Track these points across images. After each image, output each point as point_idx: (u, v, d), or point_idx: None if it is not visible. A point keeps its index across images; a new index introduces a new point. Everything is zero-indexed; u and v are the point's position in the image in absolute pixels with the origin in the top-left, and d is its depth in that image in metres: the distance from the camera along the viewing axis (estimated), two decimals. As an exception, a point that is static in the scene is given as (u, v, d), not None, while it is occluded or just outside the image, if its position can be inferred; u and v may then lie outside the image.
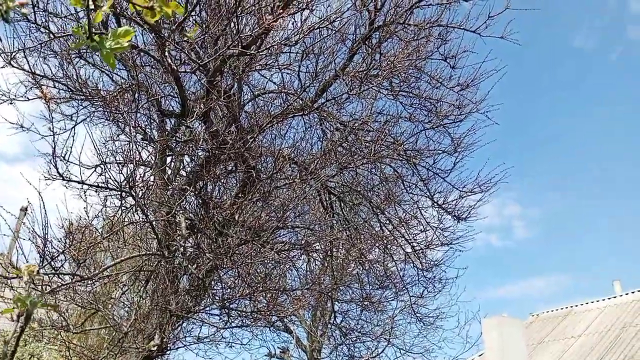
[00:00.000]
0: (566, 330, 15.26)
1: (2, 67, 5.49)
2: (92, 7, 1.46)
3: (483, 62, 6.51)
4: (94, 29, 1.43)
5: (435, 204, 7.24)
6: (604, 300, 15.86)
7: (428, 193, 7.25)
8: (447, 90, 6.77)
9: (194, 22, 6.19)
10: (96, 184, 5.03)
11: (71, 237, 5.52)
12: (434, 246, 7.24)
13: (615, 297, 15.76)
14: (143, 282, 5.67)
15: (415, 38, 6.40)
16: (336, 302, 7.86)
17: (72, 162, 5.39)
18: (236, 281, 6.02)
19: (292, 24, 6.13)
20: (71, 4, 1.52)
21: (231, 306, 5.95)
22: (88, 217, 5.80)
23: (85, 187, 5.30)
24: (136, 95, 6.20)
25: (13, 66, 5.70)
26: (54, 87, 6.22)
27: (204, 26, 5.99)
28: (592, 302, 16.00)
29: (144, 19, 1.40)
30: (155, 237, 5.46)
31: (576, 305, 16.37)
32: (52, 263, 4.97)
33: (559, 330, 15.56)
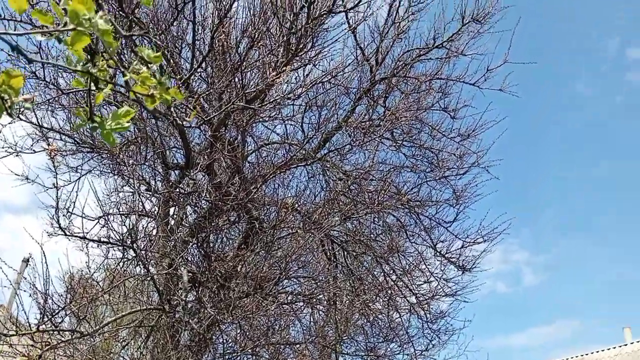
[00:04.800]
0: (578, 381, 14.83)
1: (9, 123, 5.59)
2: (93, 89, 1.50)
3: (483, 113, 6.62)
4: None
5: (438, 254, 7.18)
6: (615, 348, 15.48)
7: (431, 242, 7.20)
8: (448, 140, 6.84)
9: (199, 77, 6.34)
10: (98, 239, 5.03)
11: (72, 292, 5.49)
12: (439, 297, 7.14)
13: (627, 344, 15.39)
14: (143, 337, 5.58)
15: (416, 91, 6.51)
16: (341, 355, 7.69)
17: (75, 214, 5.43)
18: (238, 335, 5.92)
19: (295, 78, 6.25)
20: (73, 85, 1.56)
21: (233, 362, 5.83)
22: (89, 270, 5.79)
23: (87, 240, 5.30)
24: (142, 147, 6.28)
25: (21, 119, 5.81)
26: (61, 139, 6.32)
27: (209, 81, 6.13)
28: (604, 350, 15.61)
29: (142, 105, 1.44)
30: (156, 290, 5.42)
31: (587, 354, 15.96)
32: (53, 319, 4.93)
33: (571, 380, 15.12)
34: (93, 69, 1.35)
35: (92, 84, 1.42)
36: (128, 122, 1.51)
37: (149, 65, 1.49)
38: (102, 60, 1.46)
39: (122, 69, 1.37)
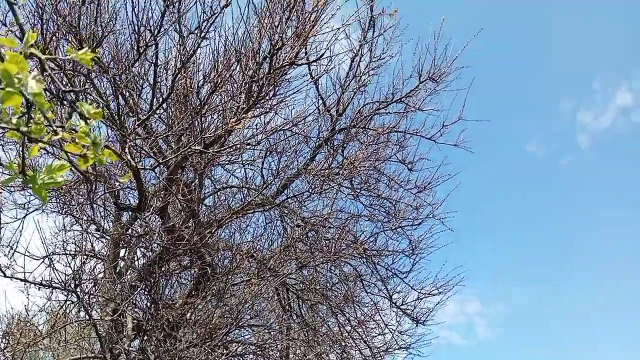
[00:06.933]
0: None
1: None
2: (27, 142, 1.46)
3: (439, 167, 6.78)
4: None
5: (393, 305, 7.16)
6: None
7: (387, 293, 7.18)
8: (405, 191, 6.95)
9: (159, 118, 6.29)
10: (40, 281, 4.80)
11: (9, 336, 5.20)
12: (393, 350, 7.07)
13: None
14: (81, 387, 5.28)
15: (375, 142, 6.63)
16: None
17: (19, 252, 5.18)
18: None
19: (256, 124, 6.28)
20: (8, 137, 1.51)
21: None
22: (29, 314, 5.50)
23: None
24: (93, 186, 6.12)
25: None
26: (9, 174, 6.10)
27: (169, 123, 6.07)
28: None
29: (74, 165, 1.40)
30: (97, 337, 5.17)
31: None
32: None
33: None
34: (24, 128, 1.30)
35: (26, 138, 1.38)
36: (62, 176, 1.46)
37: (88, 121, 1.45)
38: (39, 114, 1.42)
39: (55, 128, 1.33)
